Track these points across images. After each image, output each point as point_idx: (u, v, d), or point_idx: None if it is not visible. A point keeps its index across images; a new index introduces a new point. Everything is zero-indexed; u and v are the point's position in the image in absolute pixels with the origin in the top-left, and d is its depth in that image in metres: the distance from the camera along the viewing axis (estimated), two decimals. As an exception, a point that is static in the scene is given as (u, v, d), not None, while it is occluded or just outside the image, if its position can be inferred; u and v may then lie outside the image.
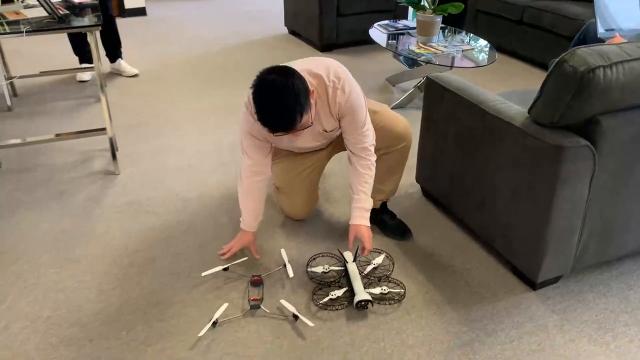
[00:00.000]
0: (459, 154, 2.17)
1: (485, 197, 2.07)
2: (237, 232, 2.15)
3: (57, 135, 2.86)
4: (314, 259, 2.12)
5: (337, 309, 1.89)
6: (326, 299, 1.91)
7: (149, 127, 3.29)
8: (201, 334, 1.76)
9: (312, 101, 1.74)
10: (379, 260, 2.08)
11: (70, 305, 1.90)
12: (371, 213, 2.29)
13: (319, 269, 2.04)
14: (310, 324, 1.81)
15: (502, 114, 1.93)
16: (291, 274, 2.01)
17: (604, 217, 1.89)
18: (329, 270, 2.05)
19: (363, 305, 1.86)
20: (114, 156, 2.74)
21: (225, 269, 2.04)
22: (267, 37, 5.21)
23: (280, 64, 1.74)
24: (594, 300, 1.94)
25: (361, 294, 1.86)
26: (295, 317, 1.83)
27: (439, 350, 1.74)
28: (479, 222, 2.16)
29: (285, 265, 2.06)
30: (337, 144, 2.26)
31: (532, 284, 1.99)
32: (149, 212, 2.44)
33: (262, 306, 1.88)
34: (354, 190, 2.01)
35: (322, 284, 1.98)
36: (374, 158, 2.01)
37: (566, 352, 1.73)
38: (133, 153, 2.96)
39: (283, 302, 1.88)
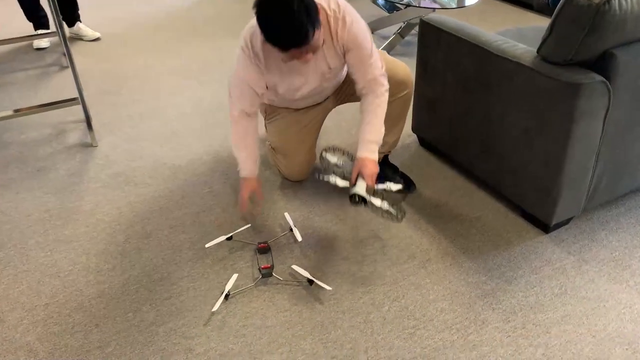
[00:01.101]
0: (461, 98, 2.09)
1: (491, 141, 2.01)
2: (234, 196, 2.05)
3: (28, 108, 2.64)
4: (333, 149, 1.97)
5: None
6: (325, 178, 1.84)
7: (122, 93, 3.09)
8: (215, 308, 1.67)
9: (320, 19, 1.61)
10: (393, 186, 1.88)
11: (68, 290, 1.78)
12: (350, 195, 2.21)
13: (333, 159, 1.92)
14: (327, 287, 1.75)
15: (508, 54, 1.84)
16: (299, 238, 1.92)
17: (616, 154, 1.85)
18: (343, 165, 1.91)
19: (357, 201, 1.75)
20: (89, 127, 2.56)
21: (229, 239, 1.94)
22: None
23: None
24: (607, 238, 1.93)
25: (359, 188, 1.76)
26: (310, 281, 1.76)
27: (461, 303, 1.70)
28: (485, 168, 2.10)
29: (291, 229, 1.97)
30: (335, 97, 2.15)
31: (545, 227, 1.96)
32: (137, 183, 2.30)
33: (273, 273, 1.79)
34: (362, 120, 1.87)
35: (327, 169, 1.91)
36: (386, 85, 1.88)
37: (588, 294, 1.71)
38: (109, 122, 2.78)
39: (295, 267, 1.80)
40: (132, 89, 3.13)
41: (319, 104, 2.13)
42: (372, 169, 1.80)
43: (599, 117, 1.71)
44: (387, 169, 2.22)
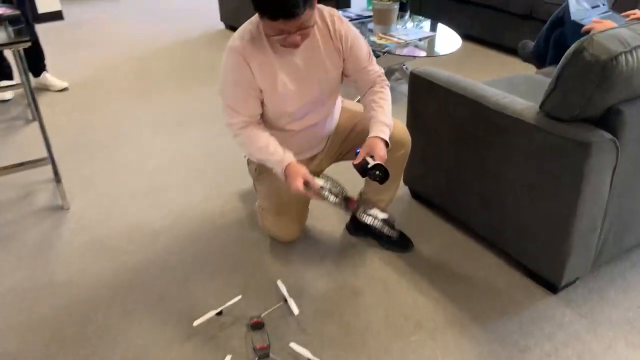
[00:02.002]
0: (456, 151, 2.01)
1: (491, 196, 1.93)
2: (223, 260, 1.89)
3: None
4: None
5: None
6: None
7: (94, 146, 2.92)
8: (209, 398, 1.51)
9: (314, 4, 1.56)
10: (379, 214, 1.76)
11: (40, 381, 1.59)
12: (373, 165, 2.08)
13: (319, 182, 1.75)
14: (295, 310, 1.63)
15: (508, 109, 1.77)
16: (296, 311, 1.78)
17: (623, 210, 1.79)
18: (327, 186, 1.75)
19: (379, 174, 1.65)
20: (59, 187, 2.38)
21: (218, 314, 1.78)
22: (203, 35, 4.86)
23: None
24: (617, 297, 1.84)
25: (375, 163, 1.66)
26: None
27: (476, 378, 1.58)
28: (484, 223, 2.02)
29: (286, 300, 1.82)
30: (329, 154, 2.05)
31: (553, 288, 1.87)
32: (114, 250, 2.12)
33: (271, 354, 1.64)
34: (369, 108, 1.80)
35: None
36: (386, 79, 1.87)
37: (607, 361, 1.62)
38: (81, 180, 2.61)
39: (293, 345, 1.66)
40: (104, 142, 2.96)
41: (312, 159, 2.02)
42: (384, 150, 1.70)
43: (607, 174, 1.65)
44: (382, 227, 2.11)
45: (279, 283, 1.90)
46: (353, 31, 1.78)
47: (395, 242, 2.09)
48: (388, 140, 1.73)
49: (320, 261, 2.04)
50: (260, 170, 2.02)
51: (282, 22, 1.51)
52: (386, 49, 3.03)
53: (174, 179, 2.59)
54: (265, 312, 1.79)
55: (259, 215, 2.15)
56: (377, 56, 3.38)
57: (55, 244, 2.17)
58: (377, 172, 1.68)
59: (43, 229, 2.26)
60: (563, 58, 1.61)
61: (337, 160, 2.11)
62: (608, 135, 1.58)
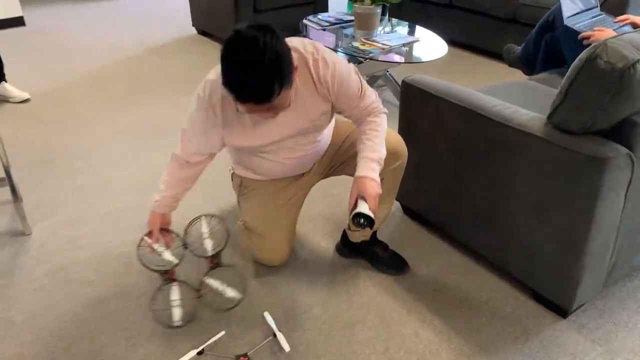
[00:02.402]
0: (454, 165, 1.87)
1: (493, 214, 1.79)
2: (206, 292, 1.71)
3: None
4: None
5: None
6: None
7: (58, 164, 2.70)
8: None
9: (294, 79, 1.40)
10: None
11: None
12: (361, 246, 1.95)
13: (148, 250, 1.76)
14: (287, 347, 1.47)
15: (513, 121, 1.64)
16: (287, 347, 1.60)
17: (635, 226, 1.67)
18: (163, 253, 1.77)
19: (363, 223, 1.52)
20: (19, 210, 2.16)
21: (200, 353, 1.60)
22: (173, 41, 4.65)
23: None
24: (630, 320, 1.72)
25: (363, 208, 1.53)
26: None
27: (489, 420, 1.43)
28: (485, 243, 1.88)
29: (275, 335, 1.65)
30: (319, 169, 1.89)
31: (563, 312, 1.74)
32: (81, 281, 1.92)
33: None
34: (358, 142, 1.66)
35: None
36: (384, 109, 1.70)
37: (629, 395, 1.49)
38: (44, 202, 2.39)
39: None
40: (69, 159, 2.74)
41: (302, 175, 1.86)
42: (375, 189, 1.55)
43: (622, 190, 1.53)
44: (376, 247, 1.96)
45: (266, 315, 1.73)
46: (340, 72, 1.56)
47: (390, 263, 1.94)
48: (377, 179, 1.58)
49: (310, 288, 1.87)
50: (245, 185, 1.85)
51: (252, 105, 1.36)
52: (370, 55, 2.89)
53: (146, 198, 2.39)
54: (253, 350, 1.62)
55: (242, 236, 1.97)
56: (359, 62, 3.24)
57: (15, 276, 1.95)
58: (361, 220, 1.52)
59: (0, 259, 2.03)
60: (573, 67, 1.48)
61: (328, 175, 1.95)
62: (624, 150, 1.46)
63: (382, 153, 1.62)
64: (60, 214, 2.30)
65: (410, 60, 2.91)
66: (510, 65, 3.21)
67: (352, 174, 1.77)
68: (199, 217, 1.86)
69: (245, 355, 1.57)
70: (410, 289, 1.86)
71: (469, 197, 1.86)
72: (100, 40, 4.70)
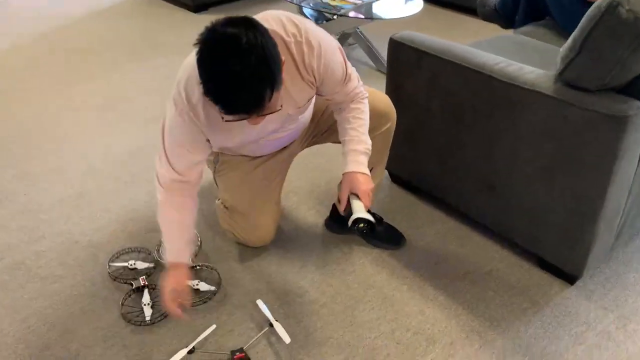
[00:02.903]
0: (451, 130, 1.74)
1: (495, 180, 1.68)
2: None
3: None
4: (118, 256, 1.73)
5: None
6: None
7: (8, 146, 2.42)
8: None
9: (282, 74, 1.19)
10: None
11: None
12: (353, 220, 1.81)
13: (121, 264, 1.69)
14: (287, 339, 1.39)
15: (519, 80, 1.50)
16: (287, 339, 1.46)
17: (642, 187, 1.59)
18: (134, 267, 1.68)
19: (363, 228, 1.42)
20: (-34, 202, 1.92)
21: (191, 351, 1.44)
22: (121, 3, 4.28)
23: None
24: (638, 283, 1.66)
25: (360, 211, 1.42)
26: None
27: (510, 401, 1.34)
28: (486, 210, 1.77)
29: (271, 325, 1.51)
30: (302, 139, 1.73)
31: (570, 279, 1.66)
32: (44, 276, 1.71)
33: None
34: (341, 132, 1.53)
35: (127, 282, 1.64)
36: (366, 94, 1.56)
37: (648, 363, 1.43)
38: (-8, 189, 2.13)
39: None
40: (21, 140, 2.46)
41: (284, 148, 1.69)
42: (366, 184, 1.46)
43: (637, 149, 1.43)
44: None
45: (259, 303, 1.58)
46: (326, 54, 1.37)
47: (386, 238, 1.82)
48: (367, 172, 1.47)
49: (301, 270, 1.73)
50: (222, 160, 1.67)
51: (242, 115, 1.17)
52: (341, 11, 2.69)
53: (110, 181, 2.17)
54: (249, 343, 1.47)
55: (221, 216, 1.79)
56: (328, 20, 3.04)
57: (-34, 275, 1.72)
58: (361, 225, 1.41)
59: (-52, 257, 1.80)
60: (588, 17, 1.34)
61: (310, 144, 1.80)
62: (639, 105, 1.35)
63: (368, 143, 1.51)
64: (14, 203, 2.05)
65: (383, 16, 2.73)
66: (485, 19, 3.07)
67: (336, 141, 1.63)
68: None
69: (241, 350, 1.43)
70: (408, 264, 1.74)
71: (467, 162, 1.74)
72: (38, 7, 4.28)
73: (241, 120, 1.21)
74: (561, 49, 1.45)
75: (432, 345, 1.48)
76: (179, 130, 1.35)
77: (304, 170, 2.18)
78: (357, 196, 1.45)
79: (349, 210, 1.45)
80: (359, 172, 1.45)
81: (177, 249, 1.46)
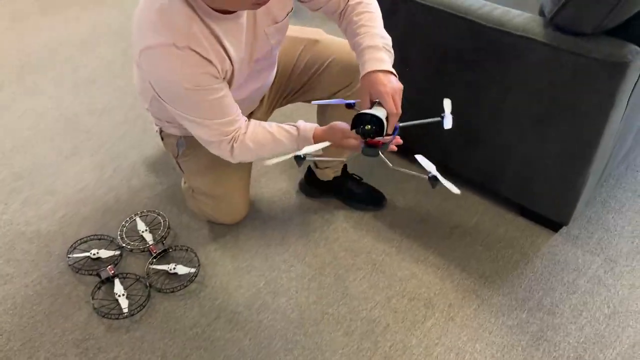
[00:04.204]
0: (432, 80, 1.64)
1: (482, 133, 1.61)
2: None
3: None
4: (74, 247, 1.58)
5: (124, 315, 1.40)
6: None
7: None
8: None
9: None
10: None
11: None
12: (332, 182, 1.71)
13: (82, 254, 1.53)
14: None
15: (507, 25, 1.40)
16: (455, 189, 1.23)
17: (625, 130, 1.57)
18: (97, 256, 1.53)
19: (368, 130, 1.14)
20: None
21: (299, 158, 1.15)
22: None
23: None
24: (617, 223, 1.67)
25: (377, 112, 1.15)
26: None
27: (516, 359, 1.33)
28: (467, 162, 1.71)
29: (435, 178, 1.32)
30: (267, 102, 1.56)
31: (555, 226, 1.65)
32: (-8, 280, 1.51)
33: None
34: (349, 36, 1.27)
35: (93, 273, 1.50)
36: None
37: (639, 306, 1.45)
38: None
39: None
40: None
41: (250, 115, 1.53)
42: (394, 82, 1.18)
43: (627, 94, 1.38)
44: (349, 182, 1.72)
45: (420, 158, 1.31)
46: None
47: (366, 199, 1.73)
48: (392, 70, 1.21)
49: (283, 242, 1.62)
50: (188, 144, 1.48)
51: None
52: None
53: (48, 155, 1.92)
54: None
55: (189, 200, 1.64)
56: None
57: None
58: (367, 127, 1.13)
59: None
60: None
61: (282, 104, 1.64)
62: (638, 49, 1.29)
63: (386, 37, 1.24)
64: None
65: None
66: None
67: (310, 99, 1.49)
68: (132, 218, 1.63)
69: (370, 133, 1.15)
70: (393, 225, 1.67)
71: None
72: None
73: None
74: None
75: (430, 309, 1.43)
76: (192, 76, 1.09)
77: (267, 129, 2.02)
78: (380, 104, 1.17)
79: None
80: (379, 71, 1.17)
81: (302, 129, 1.25)
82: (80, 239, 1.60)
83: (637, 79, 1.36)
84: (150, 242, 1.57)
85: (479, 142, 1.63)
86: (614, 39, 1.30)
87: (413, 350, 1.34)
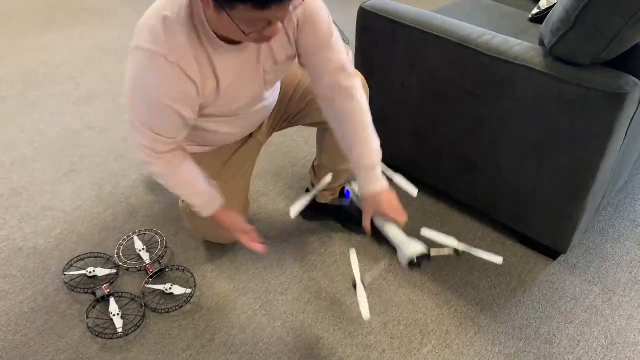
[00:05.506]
0: (430, 107, 1.65)
1: (481, 160, 1.61)
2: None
3: None
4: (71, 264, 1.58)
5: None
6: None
7: None
8: None
9: None
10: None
11: None
12: (330, 205, 1.71)
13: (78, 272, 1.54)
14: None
15: (506, 54, 1.42)
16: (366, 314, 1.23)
17: (623, 160, 1.58)
18: (93, 274, 1.53)
19: (418, 264, 1.25)
20: None
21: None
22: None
23: None
24: (615, 252, 1.67)
25: (410, 247, 1.26)
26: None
27: (512, 390, 1.32)
28: (466, 189, 1.72)
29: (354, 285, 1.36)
30: (268, 125, 1.57)
31: (553, 254, 1.65)
32: (-13, 296, 1.50)
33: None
34: (344, 136, 1.32)
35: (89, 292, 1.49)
36: (359, 76, 1.37)
37: (637, 337, 1.44)
38: None
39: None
40: None
41: (249, 136, 1.54)
42: (388, 201, 1.28)
43: (626, 124, 1.40)
44: (347, 206, 1.72)
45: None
46: (310, 8, 1.19)
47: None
48: (384, 184, 1.29)
49: (280, 264, 1.61)
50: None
51: (273, 9, 0.96)
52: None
53: (47, 172, 1.93)
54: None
55: (186, 219, 1.63)
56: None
57: None
58: (416, 261, 1.25)
59: None
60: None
61: (281, 129, 1.64)
62: (637, 81, 1.31)
63: (377, 146, 1.31)
64: None
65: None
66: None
67: (310, 124, 1.51)
68: (130, 236, 1.63)
69: None
70: (390, 250, 1.66)
71: (448, 141, 1.66)
72: None
73: (264, 31, 1.02)
74: (547, 22, 1.39)
75: (427, 336, 1.42)
76: (161, 86, 1.10)
77: (266, 152, 2.02)
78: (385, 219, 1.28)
79: (379, 234, 1.30)
80: (375, 192, 1.27)
81: (208, 198, 1.35)
82: (77, 257, 1.59)
83: (636, 110, 1.37)
84: (147, 261, 1.56)
85: (477, 170, 1.63)
86: (612, 70, 1.32)
87: (409, 378, 1.33)
